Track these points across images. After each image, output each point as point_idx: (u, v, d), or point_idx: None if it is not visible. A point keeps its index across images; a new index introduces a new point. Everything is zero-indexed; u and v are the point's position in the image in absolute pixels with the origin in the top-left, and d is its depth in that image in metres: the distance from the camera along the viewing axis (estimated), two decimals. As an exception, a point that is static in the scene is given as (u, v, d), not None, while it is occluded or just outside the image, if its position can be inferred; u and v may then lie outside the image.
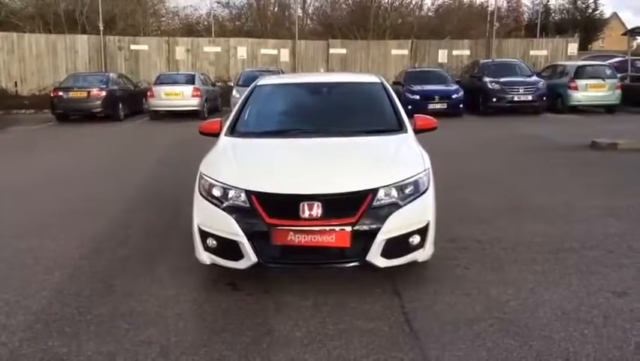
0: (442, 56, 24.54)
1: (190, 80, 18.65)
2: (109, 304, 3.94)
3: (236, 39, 24.90)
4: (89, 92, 17.71)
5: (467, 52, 24.79)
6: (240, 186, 4.05)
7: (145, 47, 24.23)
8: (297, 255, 3.98)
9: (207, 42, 24.68)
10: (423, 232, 4.09)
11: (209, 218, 4.10)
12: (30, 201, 7.24)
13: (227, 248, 4.01)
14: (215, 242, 4.07)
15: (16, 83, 23.63)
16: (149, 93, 18.66)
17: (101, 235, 5.61)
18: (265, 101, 5.61)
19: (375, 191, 3.99)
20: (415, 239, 4.07)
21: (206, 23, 36.50)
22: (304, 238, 3.87)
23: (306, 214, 3.87)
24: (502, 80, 18.15)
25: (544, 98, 17.87)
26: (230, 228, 3.95)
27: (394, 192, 4.05)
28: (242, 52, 24.32)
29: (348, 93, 5.73)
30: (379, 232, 3.90)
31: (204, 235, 4.11)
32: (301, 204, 3.88)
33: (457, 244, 5.15)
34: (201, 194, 4.21)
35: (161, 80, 19.04)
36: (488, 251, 4.97)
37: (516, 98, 17.83)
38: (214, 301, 3.99)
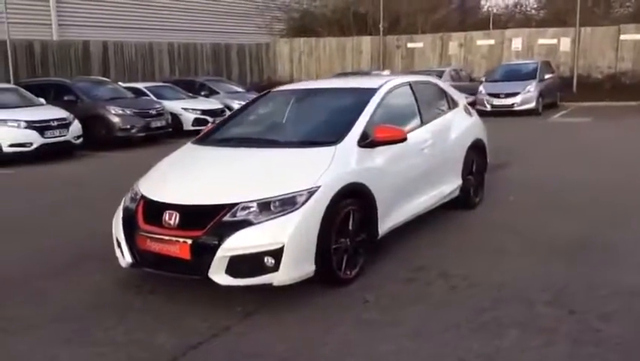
0: None
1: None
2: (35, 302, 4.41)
3: (513, 30, 23.37)
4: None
5: None
6: (140, 191, 4.35)
7: (420, 45, 24.74)
8: (159, 261, 4.04)
9: (482, 35, 23.83)
10: (276, 253, 3.71)
11: (116, 219, 4.48)
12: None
13: (119, 247, 4.34)
14: (116, 241, 4.45)
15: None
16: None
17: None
18: (254, 108, 5.63)
19: (232, 206, 3.83)
20: (270, 260, 3.74)
21: (513, 14, 35.42)
22: (157, 245, 3.97)
23: (166, 223, 3.96)
24: None
25: None
26: (118, 229, 4.30)
27: (255, 208, 3.81)
28: (517, 43, 22.72)
29: (330, 101, 5.34)
30: (219, 248, 3.73)
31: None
32: (164, 213, 3.99)
33: (414, 274, 4.38)
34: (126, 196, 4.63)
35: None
36: (432, 288, 4.13)
37: None
38: (115, 301, 4.18)
